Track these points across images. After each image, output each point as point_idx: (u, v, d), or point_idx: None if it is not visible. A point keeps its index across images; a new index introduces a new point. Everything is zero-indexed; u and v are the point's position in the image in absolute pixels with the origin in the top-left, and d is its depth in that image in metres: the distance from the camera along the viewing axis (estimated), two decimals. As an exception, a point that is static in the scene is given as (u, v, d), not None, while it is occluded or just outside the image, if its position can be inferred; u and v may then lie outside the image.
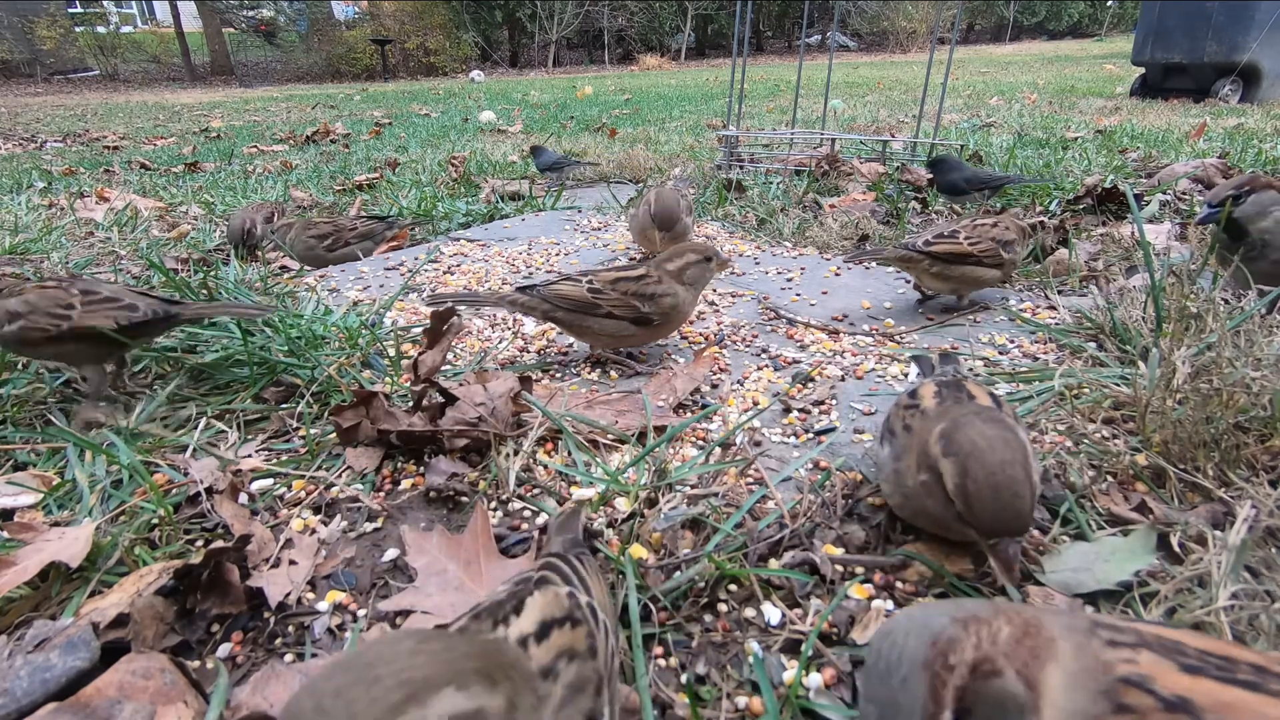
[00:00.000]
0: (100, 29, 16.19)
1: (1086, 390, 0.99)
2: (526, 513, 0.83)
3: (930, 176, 2.25)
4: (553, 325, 1.25)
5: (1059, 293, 1.43)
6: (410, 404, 0.98)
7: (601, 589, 0.58)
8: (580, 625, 0.49)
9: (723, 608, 0.68)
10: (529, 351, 1.29)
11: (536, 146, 3.01)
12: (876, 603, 0.67)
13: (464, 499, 0.86)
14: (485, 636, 0.46)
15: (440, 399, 0.96)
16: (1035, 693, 0.36)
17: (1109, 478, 0.83)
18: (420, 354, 1.00)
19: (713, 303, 1.51)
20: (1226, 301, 1.16)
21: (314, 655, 0.64)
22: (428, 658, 0.38)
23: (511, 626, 0.47)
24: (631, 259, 1.83)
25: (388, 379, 1.14)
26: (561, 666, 0.45)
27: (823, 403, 1.06)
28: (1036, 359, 1.18)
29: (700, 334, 1.35)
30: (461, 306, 1.20)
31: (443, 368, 1.09)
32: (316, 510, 0.84)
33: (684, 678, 0.60)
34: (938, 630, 0.40)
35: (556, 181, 2.88)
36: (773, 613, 0.66)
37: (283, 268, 1.83)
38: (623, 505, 0.82)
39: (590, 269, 1.22)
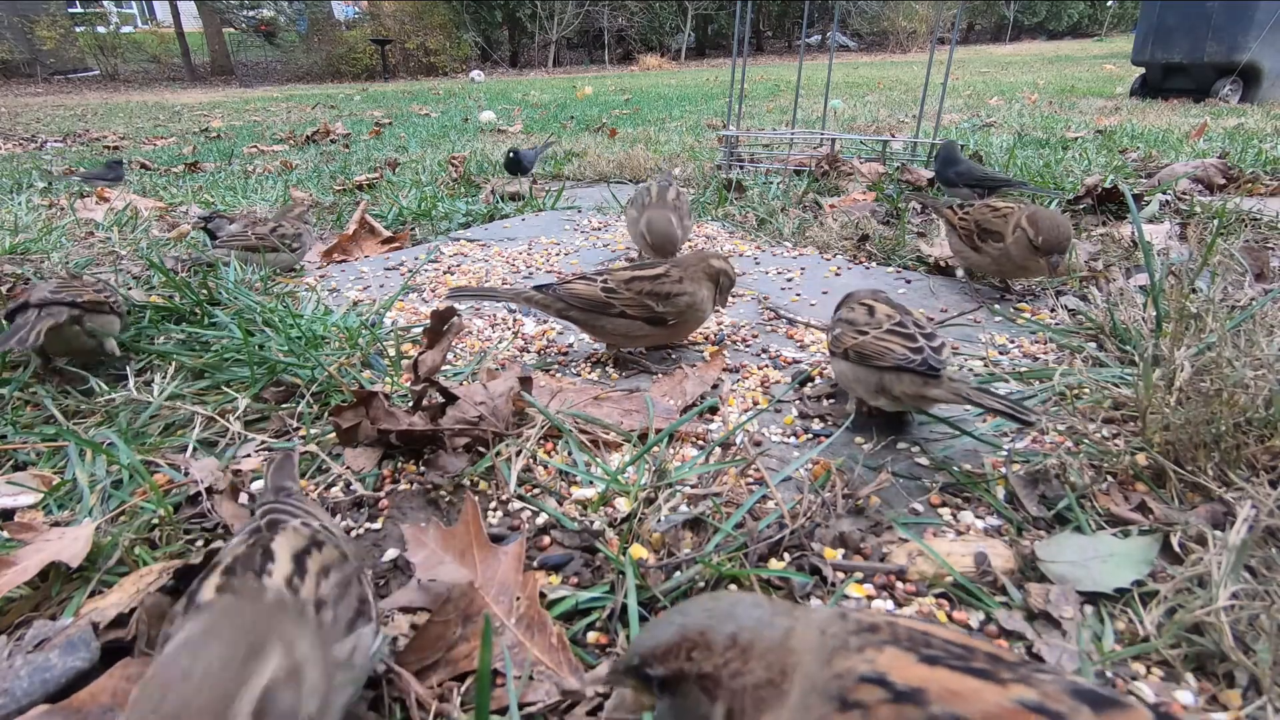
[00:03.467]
0: (100, 29, 16.18)
1: (1086, 390, 0.99)
2: (526, 512, 0.83)
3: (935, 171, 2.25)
4: (565, 323, 1.27)
5: (1059, 293, 1.43)
6: (410, 404, 0.98)
7: (324, 517, 0.65)
8: (326, 543, 0.55)
9: (723, 608, 0.67)
10: (529, 351, 1.29)
11: (514, 151, 2.85)
12: (877, 603, 0.67)
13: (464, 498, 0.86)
14: (251, 606, 0.48)
15: (440, 399, 0.96)
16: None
17: (1109, 478, 0.83)
18: (420, 354, 1.00)
19: (713, 303, 1.51)
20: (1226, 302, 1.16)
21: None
22: (211, 682, 0.39)
23: (273, 575, 0.50)
24: (629, 259, 1.82)
25: (388, 379, 1.14)
26: (326, 585, 0.51)
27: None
28: (1036, 359, 1.18)
29: (700, 334, 1.35)
30: (480, 302, 1.22)
31: (443, 368, 1.09)
32: (316, 510, 0.84)
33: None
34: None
35: (538, 161, 2.87)
36: (773, 613, 0.66)
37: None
38: (623, 505, 0.82)
39: (606, 267, 1.23)
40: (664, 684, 0.44)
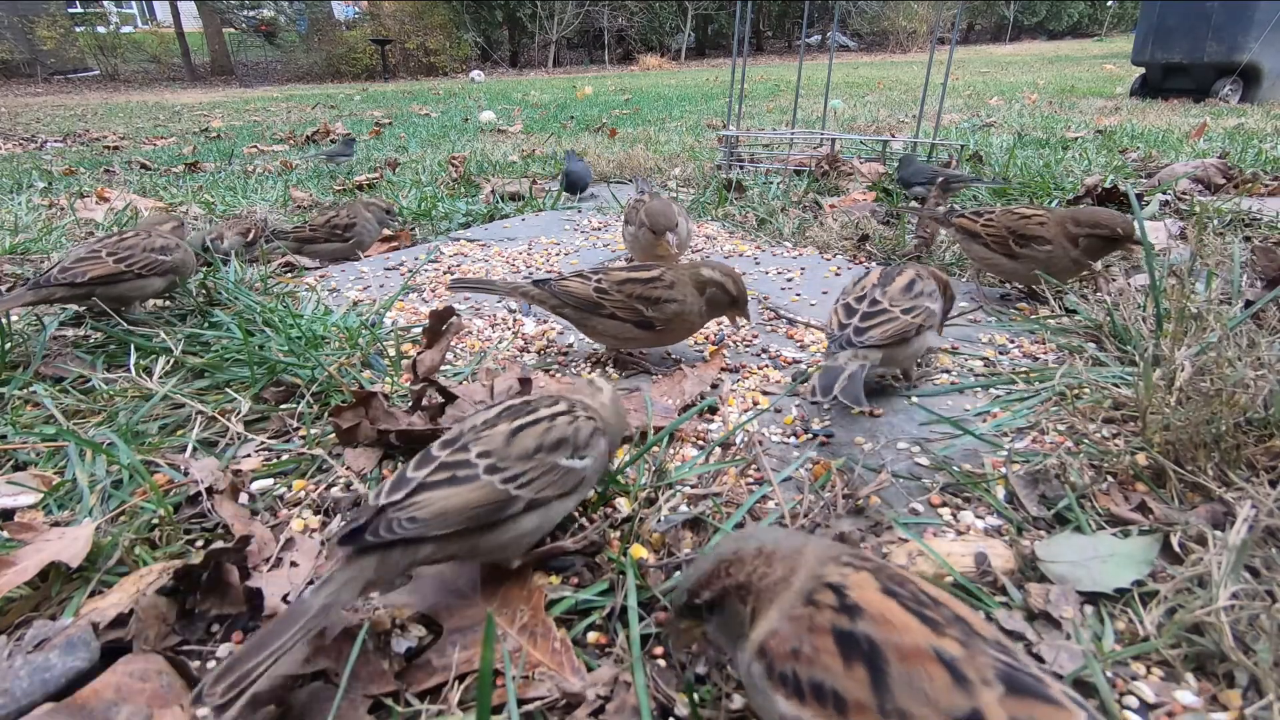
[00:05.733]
0: (100, 29, 16.17)
1: (1087, 390, 0.99)
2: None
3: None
4: (564, 322, 1.27)
5: (1059, 293, 1.43)
6: (410, 404, 0.98)
7: None
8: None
9: (723, 608, 0.67)
10: (529, 351, 1.29)
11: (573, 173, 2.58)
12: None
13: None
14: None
15: (440, 398, 0.96)
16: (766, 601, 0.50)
17: (1109, 478, 0.83)
18: (420, 354, 1.00)
19: (713, 303, 1.51)
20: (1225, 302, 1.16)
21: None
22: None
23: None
24: (628, 260, 1.82)
25: (388, 379, 1.14)
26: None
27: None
28: (1036, 359, 1.18)
29: (700, 334, 1.35)
30: (479, 294, 1.24)
31: (442, 367, 1.09)
32: (317, 510, 0.84)
33: (684, 678, 0.60)
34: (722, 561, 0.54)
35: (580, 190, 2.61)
36: (773, 613, 0.66)
37: (288, 265, 1.84)
38: (623, 505, 0.82)
39: (603, 266, 1.24)
40: (710, 605, 0.52)
